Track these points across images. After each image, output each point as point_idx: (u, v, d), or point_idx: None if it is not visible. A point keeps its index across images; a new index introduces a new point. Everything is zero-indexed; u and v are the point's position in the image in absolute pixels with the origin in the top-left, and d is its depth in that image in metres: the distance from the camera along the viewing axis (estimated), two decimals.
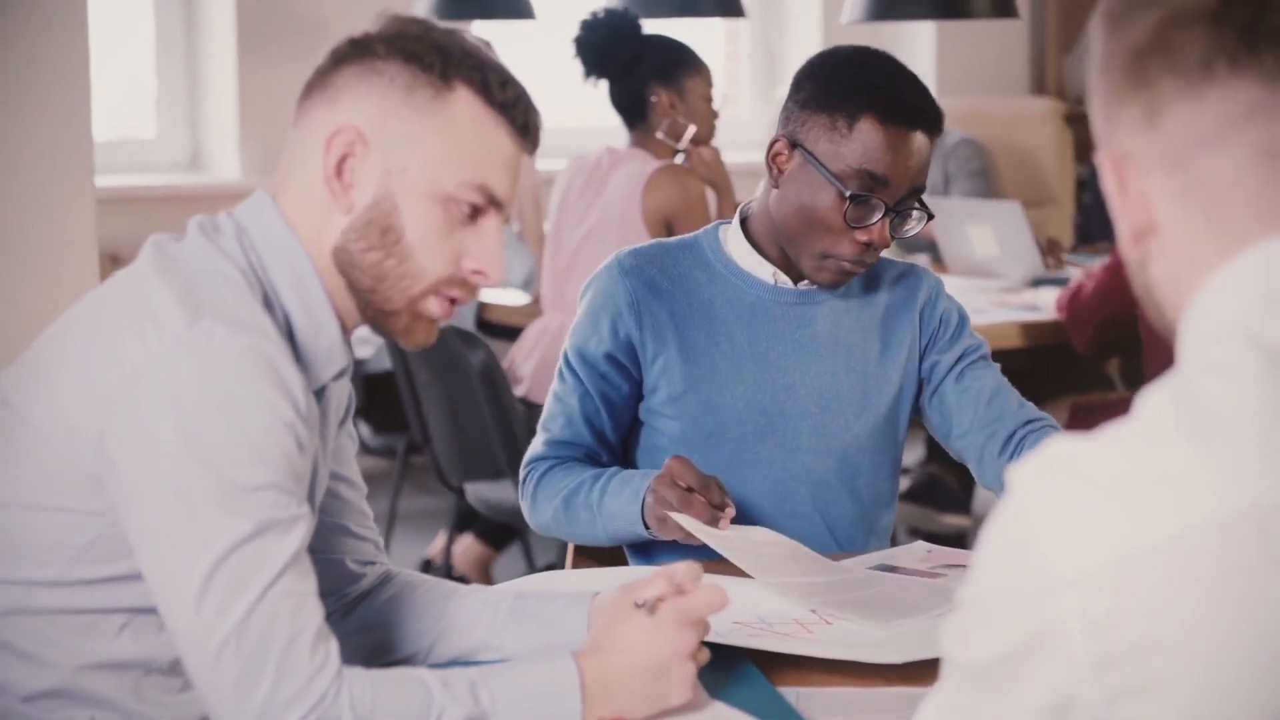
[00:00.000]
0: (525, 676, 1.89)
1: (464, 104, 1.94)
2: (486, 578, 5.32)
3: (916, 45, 8.00)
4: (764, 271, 2.70)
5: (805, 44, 7.96)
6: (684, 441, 2.69)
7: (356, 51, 1.95)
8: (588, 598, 2.13)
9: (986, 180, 6.44)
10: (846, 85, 2.59)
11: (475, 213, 1.95)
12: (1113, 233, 5.83)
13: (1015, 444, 2.71)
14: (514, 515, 4.76)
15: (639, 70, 4.67)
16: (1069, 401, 5.23)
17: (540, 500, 2.71)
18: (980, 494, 5.93)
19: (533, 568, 5.24)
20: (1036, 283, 5.40)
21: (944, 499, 5.79)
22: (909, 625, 2.29)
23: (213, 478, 1.79)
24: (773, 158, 2.65)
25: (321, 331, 1.95)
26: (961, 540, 5.60)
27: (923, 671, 2.12)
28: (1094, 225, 7.07)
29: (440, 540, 5.47)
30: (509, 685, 1.87)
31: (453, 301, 1.97)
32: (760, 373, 2.69)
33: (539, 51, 7.45)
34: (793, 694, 2.06)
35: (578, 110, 7.21)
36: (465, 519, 5.27)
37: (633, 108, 4.70)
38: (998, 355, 4.88)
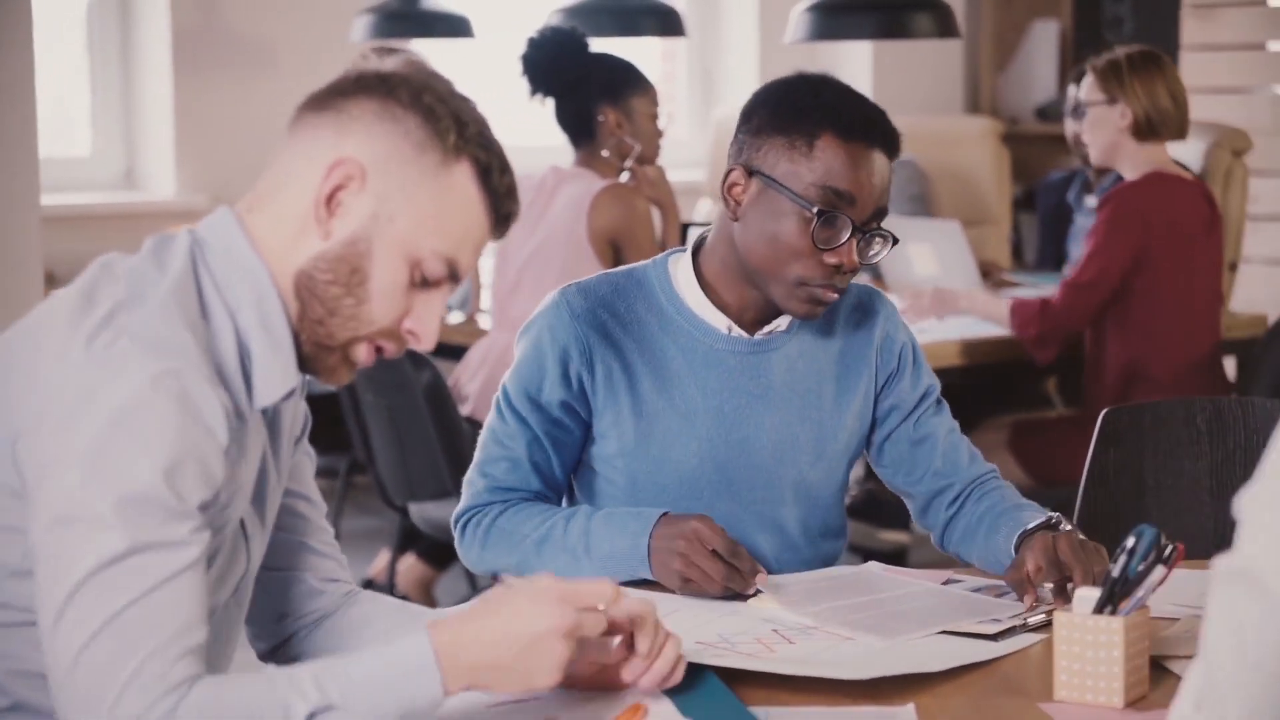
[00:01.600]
0: (376, 656, 1.87)
1: (463, 179, 1.95)
2: (428, 598, 5.30)
3: (853, 65, 8.03)
4: (718, 320, 2.63)
5: (742, 63, 7.98)
6: (634, 494, 2.64)
7: (380, 88, 1.95)
8: None
9: (924, 204, 6.48)
10: (802, 106, 2.54)
11: (432, 281, 1.96)
12: (1049, 252, 5.89)
13: (963, 499, 2.72)
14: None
15: (586, 89, 4.67)
16: (1010, 419, 5.25)
17: (494, 546, 2.61)
18: None
19: (475, 588, 5.22)
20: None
21: (884, 515, 5.81)
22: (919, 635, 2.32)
23: (100, 491, 1.78)
24: (728, 189, 2.57)
25: (279, 349, 1.94)
26: (902, 556, 5.62)
27: (889, 689, 2.13)
28: (1030, 246, 7.12)
29: (383, 559, 5.45)
30: (361, 667, 1.85)
31: (379, 351, 1.99)
32: (714, 427, 2.63)
33: (478, 70, 7.44)
34: (762, 713, 2.06)
35: (521, 129, 7.19)
36: (407, 539, 5.25)
37: (579, 126, 4.70)
38: (938, 373, 4.94)
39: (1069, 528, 2.52)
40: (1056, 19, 8.19)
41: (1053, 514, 2.55)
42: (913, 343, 2.75)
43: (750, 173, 2.56)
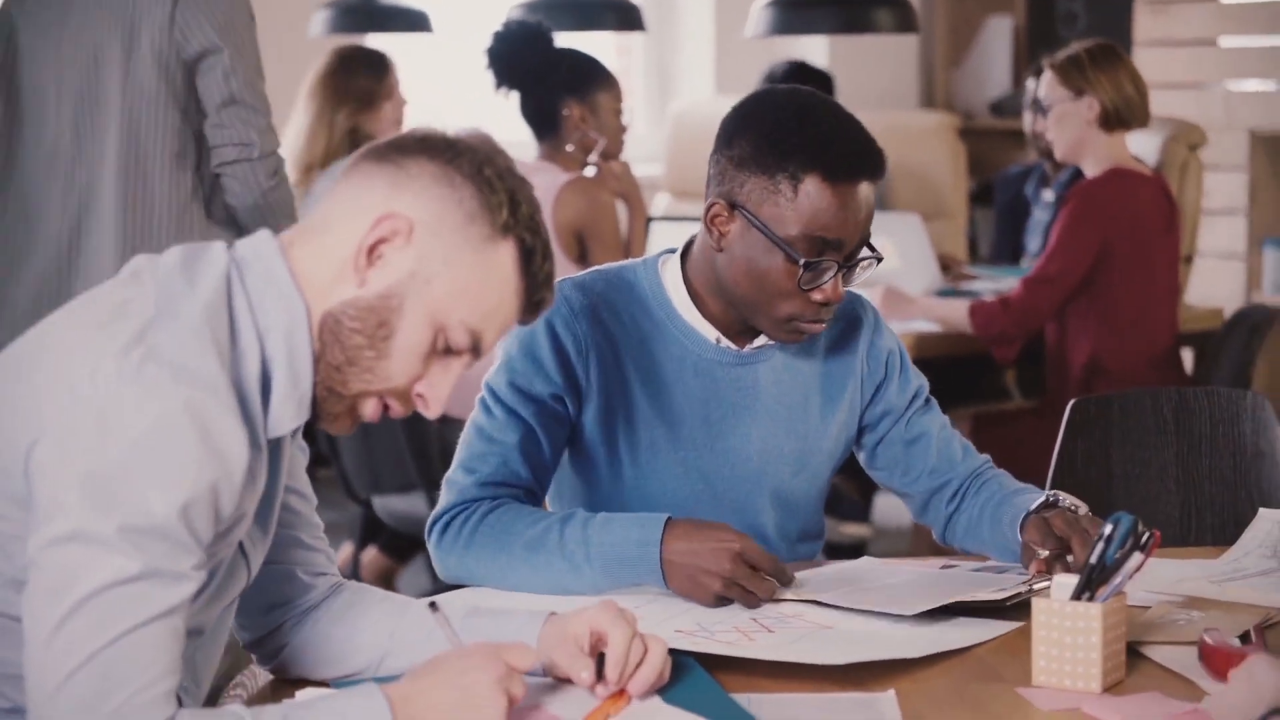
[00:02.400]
0: (336, 707, 1.90)
1: (506, 259, 1.97)
2: (390, 590, 5.31)
3: (810, 60, 8.04)
4: (707, 331, 2.60)
5: (698, 58, 8.00)
6: (614, 497, 2.62)
7: (444, 153, 1.97)
8: (542, 616, 2.14)
9: (881, 200, 6.50)
10: (786, 143, 2.45)
11: (453, 350, 1.97)
12: (1006, 246, 5.92)
13: (961, 494, 2.72)
14: (422, 527, 4.75)
15: (551, 83, 4.67)
16: (970, 412, 5.28)
17: (479, 546, 2.50)
18: (879, 504, 5.97)
19: (435, 580, 5.23)
20: (938, 294, 5.44)
21: (845, 509, 5.83)
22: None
23: (112, 516, 1.79)
24: (711, 219, 2.52)
25: (298, 383, 1.95)
26: (861, 549, 5.65)
27: (869, 675, 2.15)
28: (986, 239, 7.16)
29: (345, 552, 5.44)
30: (321, 716, 1.88)
31: (385, 409, 2.00)
32: (700, 437, 2.62)
33: (437, 65, 7.44)
34: (744, 700, 2.08)
35: (482, 123, 7.20)
36: (369, 532, 5.26)
37: (543, 120, 4.71)
38: None
39: (1073, 503, 2.54)
40: (1010, 15, 8.24)
41: (1051, 493, 2.57)
42: (899, 348, 2.74)
43: (733, 206, 2.51)
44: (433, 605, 2.09)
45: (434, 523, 2.57)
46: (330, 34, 6.32)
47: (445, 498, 2.58)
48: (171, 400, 1.82)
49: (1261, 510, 2.80)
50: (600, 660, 2.06)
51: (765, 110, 2.52)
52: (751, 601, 2.38)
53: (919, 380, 2.76)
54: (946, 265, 5.66)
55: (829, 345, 2.68)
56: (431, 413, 2.00)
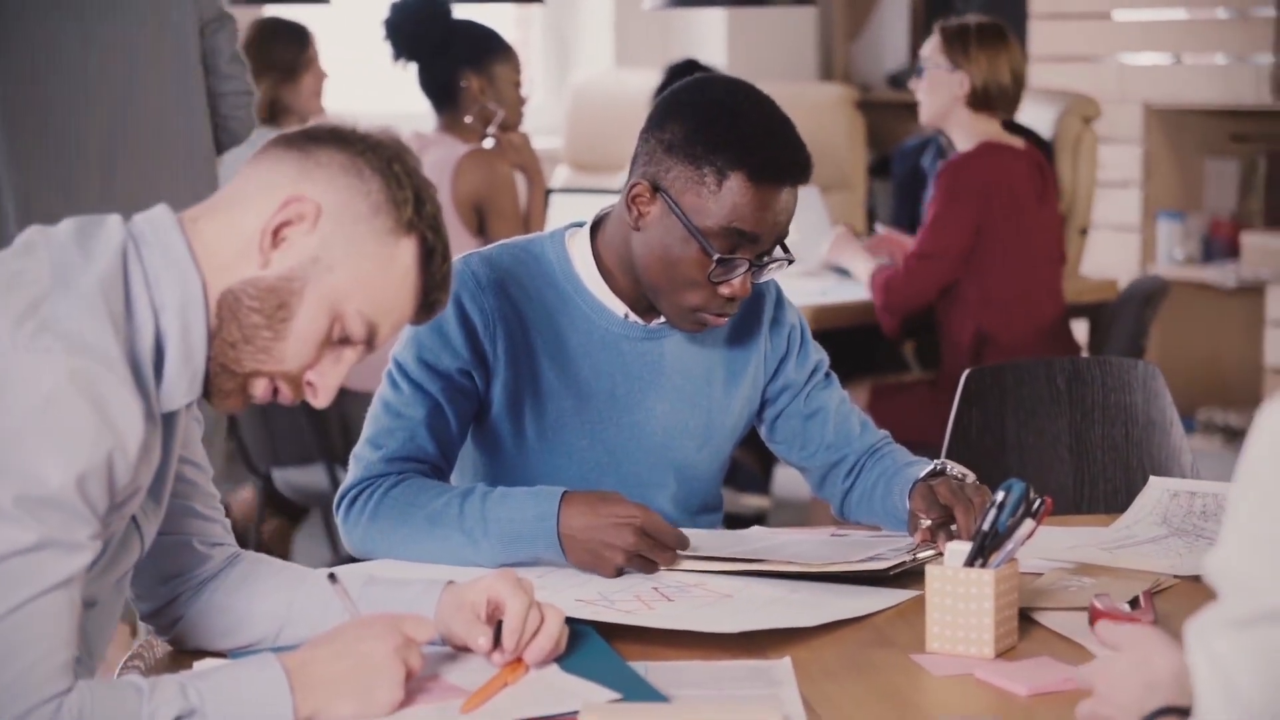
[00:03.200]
0: (233, 677, 1.91)
1: (406, 254, 1.99)
2: (286, 551, 5.31)
3: (708, 33, 8.08)
4: (615, 305, 2.61)
5: (597, 29, 8.00)
6: (521, 470, 2.61)
7: (354, 145, 1.99)
8: (440, 585, 2.15)
9: None
10: (717, 137, 2.46)
11: (347, 340, 1.99)
12: (904, 217, 5.95)
13: (858, 469, 2.74)
14: (321, 500, 4.75)
15: (449, 54, 4.67)
16: (869, 382, 5.32)
17: (382, 518, 2.51)
18: (778, 476, 6.01)
19: (335, 547, 5.23)
20: (836, 268, 5.48)
21: (744, 480, 5.86)
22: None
23: (6, 486, 1.79)
24: (632, 198, 2.52)
25: (190, 358, 1.95)
26: (761, 520, 5.68)
27: (765, 642, 2.17)
28: (885, 211, 7.19)
29: (247, 494, 5.42)
30: (218, 687, 1.88)
31: (275, 393, 2.00)
32: (607, 410, 2.63)
33: (335, 35, 7.40)
34: (641, 668, 2.09)
35: (381, 95, 7.17)
36: (268, 504, 5.25)
37: (442, 92, 4.71)
38: None
39: (960, 472, 2.56)
40: None
41: (939, 461, 2.59)
42: (800, 323, 2.75)
43: (656, 188, 2.51)
44: (331, 576, 2.10)
45: (341, 498, 2.57)
46: (229, 5, 6.26)
47: (352, 473, 2.58)
48: (66, 371, 1.81)
49: (1152, 479, 2.83)
50: (498, 629, 2.07)
51: (701, 99, 2.52)
52: (651, 570, 2.41)
53: (819, 355, 2.78)
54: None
55: (733, 321, 2.67)
56: (319, 401, 2.01)
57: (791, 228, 5.62)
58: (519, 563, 2.45)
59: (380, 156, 1.99)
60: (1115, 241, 7.11)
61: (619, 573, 2.41)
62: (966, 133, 4.91)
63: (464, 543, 2.47)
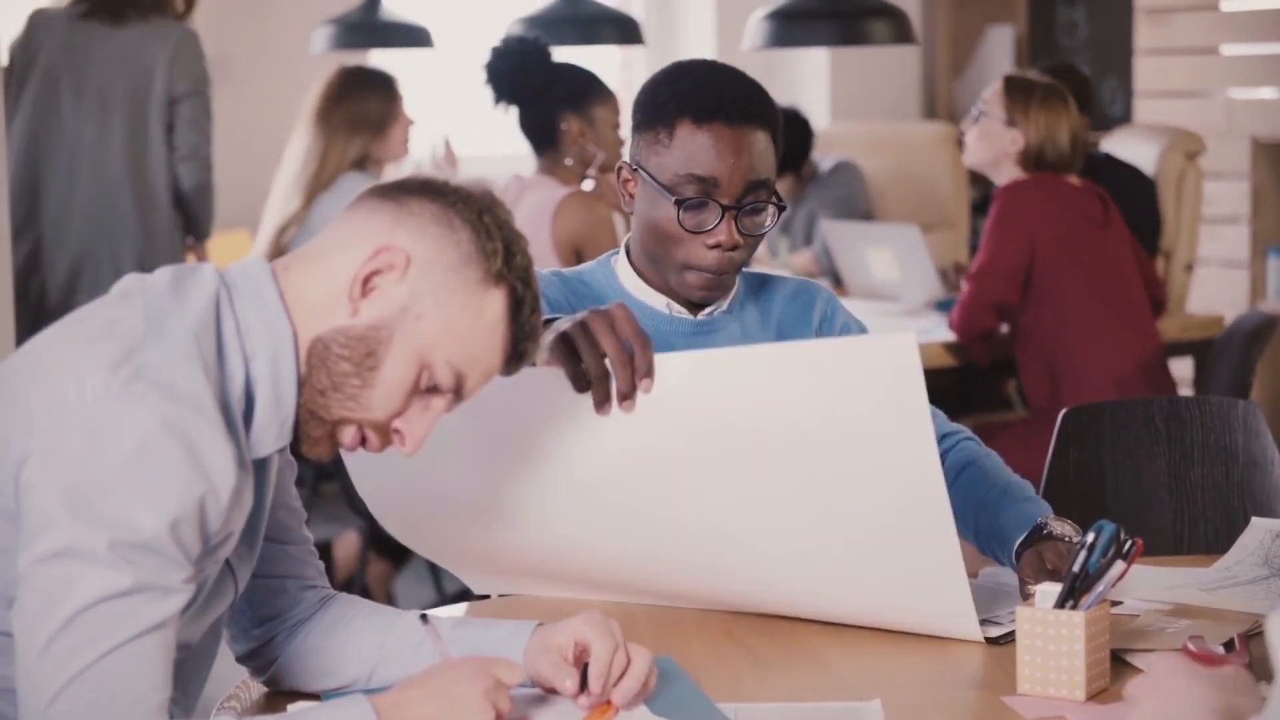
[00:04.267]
0: (324, 718, 1.93)
1: (496, 306, 2.01)
2: (387, 594, 5.34)
3: (811, 72, 8.09)
4: (658, 301, 2.65)
5: None
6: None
7: (445, 196, 2.02)
8: (530, 628, 2.16)
9: (853, 207, 6.50)
10: (661, 97, 2.58)
11: (435, 390, 2.00)
12: None
13: (944, 459, 2.71)
14: None
15: (549, 97, 4.69)
16: (970, 422, 5.29)
17: None
18: None
19: (439, 587, 5.26)
20: (938, 305, 5.47)
21: None
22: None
23: (101, 532, 1.82)
24: (622, 184, 2.65)
25: (281, 406, 1.98)
26: None
27: (855, 684, 2.16)
28: None
29: (350, 541, 5.45)
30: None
31: (364, 442, 2.02)
32: None
33: (438, 80, 7.46)
34: (730, 710, 2.09)
35: (482, 138, 7.22)
36: (373, 543, 5.28)
37: (542, 134, 4.73)
38: None
39: (1065, 531, 2.49)
40: (1012, 24, 8.26)
41: (1041, 519, 2.53)
42: (856, 321, 2.77)
43: (635, 168, 2.62)
44: (423, 617, 2.11)
45: None
46: (332, 50, 6.34)
47: None
48: (158, 417, 1.84)
49: (1254, 519, 2.80)
50: (585, 671, 2.08)
51: (650, 80, 2.64)
52: (612, 369, 2.31)
53: None
54: (946, 274, 5.66)
55: (781, 315, 2.72)
56: (407, 450, 2.02)
57: (893, 265, 5.62)
58: None
59: (471, 208, 2.01)
60: (1223, 278, 7.05)
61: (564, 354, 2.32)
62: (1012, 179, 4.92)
63: None
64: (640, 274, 2.67)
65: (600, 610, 2.13)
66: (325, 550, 5.42)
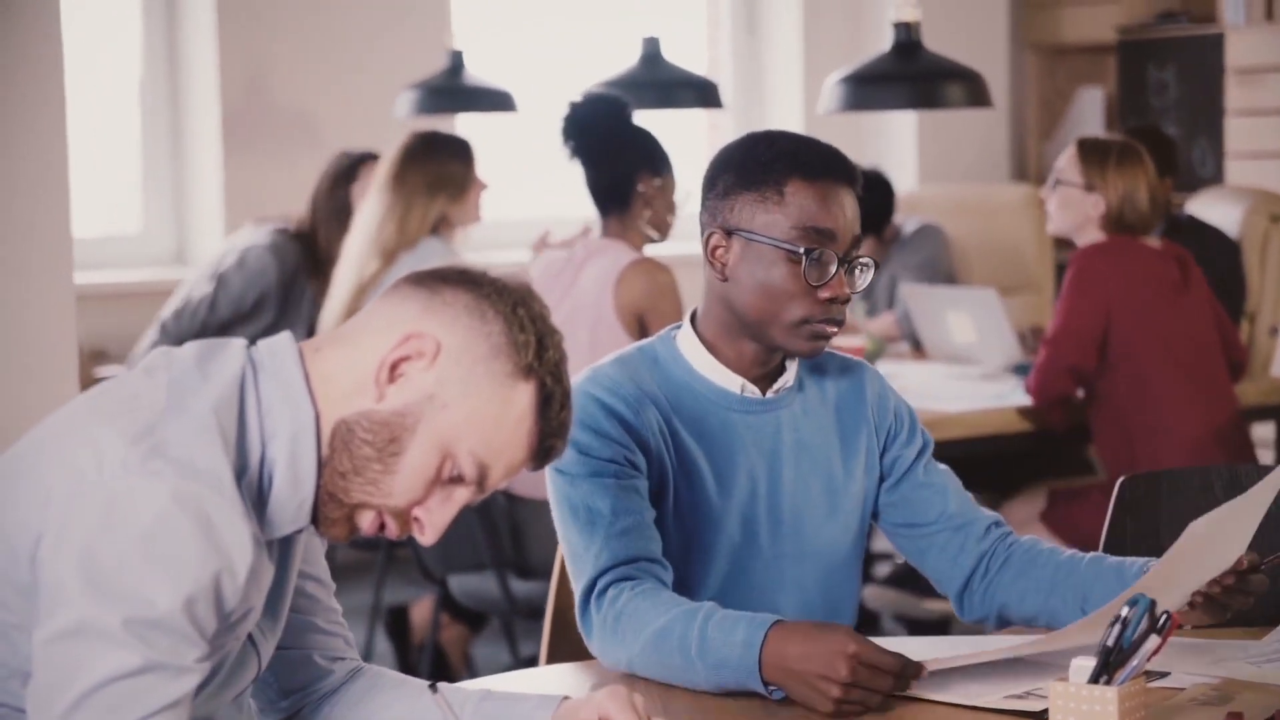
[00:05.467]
0: None
1: (524, 399, 2.00)
2: (464, 657, 5.33)
3: (898, 134, 8.07)
4: (730, 382, 2.65)
5: None
6: (678, 555, 2.61)
7: (480, 287, 2.01)
8: (555, 701, 2.15)
9: (935, 270, 6.46)
10: (763, 159, 2.61)
11: (458, 480, 1.99)
12: None
13: (1007, 555, 2.74)
14: (496, 607, 4.77)
15: (626, 156, 4.64)
16: (1048, 486, 5.25)
17: (620, 634, 2.48)
18: None
19: (514, 650, 5.25)
20: (1017, 369, 5.43)
21: (926, 584, 5.78)
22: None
23: (116, 609, 1.82)
24: (712, 252, 2.63)
25: (299, 488, 1.98)
26: (945, 626, 5.61)
27: None
28: None
29: (425, 607, 5.45)
30: None
31: (382, 528, 2.01)
32: (745, 485, 2.64)
33: (521, 143, 7.50)
34: None
35: (557, 200, 7.25)
36: (447, 609, 5.28)
37: (614, 195, 4.67)
38: (976, 442, 4.90)
39: None
40: (1102, 85, 8.21)
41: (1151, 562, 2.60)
42: (906, 405, 2.80)
43: (729, 233, 2.62)
44: (433, 686, 2.10)
45: (589, 593, 2.54)
46: (417, 114, 6.37)
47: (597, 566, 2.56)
48: (175, 494, 1.84)
49: None
50: None
51: (736, 146, 2.68)
52: (873, 701, 2.31)
53: (927, 438, 2.80)
54: (1025, 338, 5.62)
55: (837, 391, 2.75)
56: (426, 540, 2.01)
57: (971, 329, 5.58)
58: (729, 690, 2.39)
59: (506, 300, 2.00)
60: None
61: (838, 707, 2.31)
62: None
63: (682, 663, 2.42)
64: (711, 347, 2.66)
65: (625, 685, 2.12)
66: (402, 615, 5.43)
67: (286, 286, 5.88)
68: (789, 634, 2.35)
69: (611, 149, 4.66)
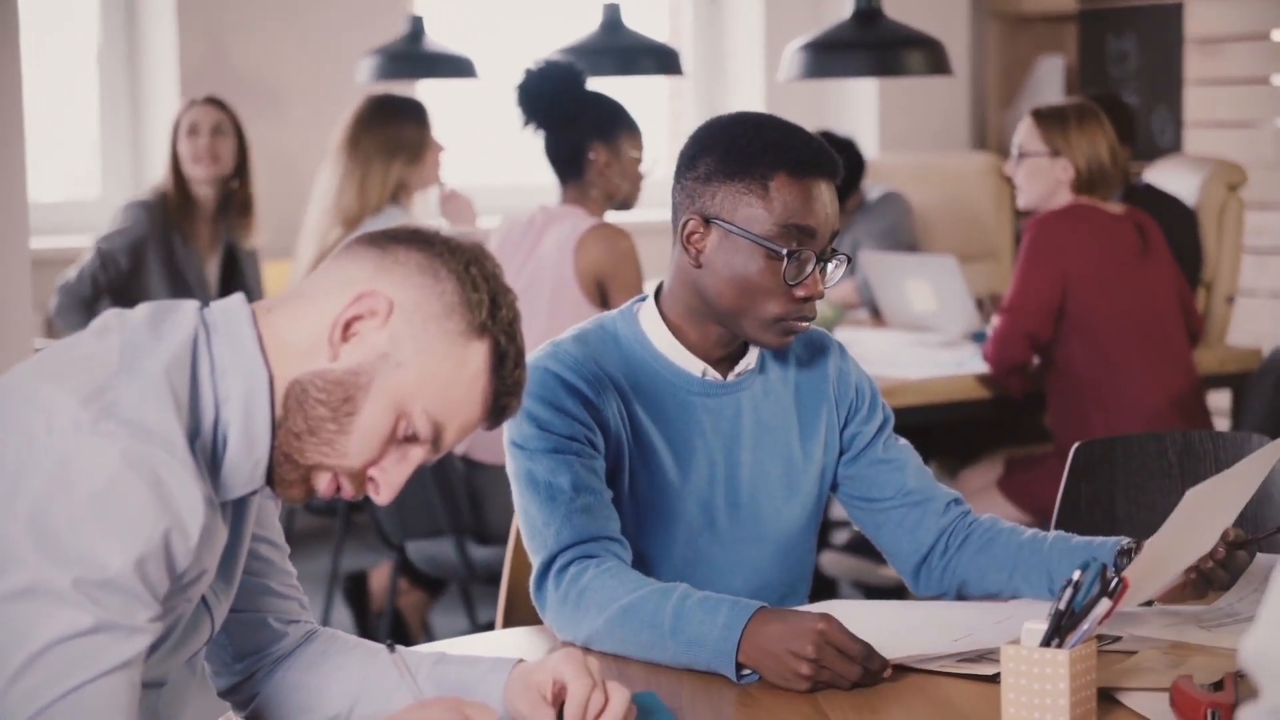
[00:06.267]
0: None
1: (478, 358, 1.99)
2: (422, 623, 5.34)
3: (859, 103, 8.07)
4: (693, 365, 2.64)
5: (748, 101, 8.01)
6: (634, 537, 2.61)
7: (433, 246, 2.00)
8: (509, 664, 2.16)
9: (898, 238, 6.47)
10: (748, 150, 2.55)
11: (413, 439, 1.99)
12: None
13: (966, 534, 2.75)
14: (454, 573, 4.78)
15: (579, 124, 4.64)
16: (1006, 453, 5.27)
17: (583, 608, 2.48)
18: None
19: (473, 617, 5.26)
20: (976, 336, 5.44)
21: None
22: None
23: (66, 569, 1.81)
24: (687, 238, 2.58)
25: (253, 450, 1.97)
26: (901, 592, 5.63)
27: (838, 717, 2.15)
28: None
29: (384, 572, 5.46)
30: None
31: (338, 490, 2.00)
32: (703, 468, 2.64)
33: (481, 109, 7.48)
34: None
35: (516, 167, 7.24)
36: (406, 576, 5.28)
37: (569, 162, 4.68)
38: (935, 409, 4.90)
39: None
40: (1062, 55, 8.22)
41: (1128, 541, 2.62)
42: (868, 380, 2.79)
43: (707, 220, 2.57)
44: (390, 646, 2.10)
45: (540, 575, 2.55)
46: (378, 80, 6.36)
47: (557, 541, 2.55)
48: (126, 455, 1.84)
49: (1259, 555, 2.78)
50: (563, 709, 2.07)
51: (720, 129, 2.61)
52: (841, 683, 2.32)
53: (887, 413, 2.81)
54: (983, 304, 5.63)
55: (798, 371, 2.74)
56: (381, 499, 2.01)
57: (930, 296, 5.59)
58: (696, 669, 2.40)
59: (458, 258, 2.00)
60: (1268, 309, 6.99)
61: (811, 685, 2.30)
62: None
63: (651, 637, 2.42)
64: (674, 328, 2.65)
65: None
66: (360, 581, 5.43)
67: (161, 240, 5.88)
68: (769, 618, 2.37)
69: (564, 117, 4.66)
